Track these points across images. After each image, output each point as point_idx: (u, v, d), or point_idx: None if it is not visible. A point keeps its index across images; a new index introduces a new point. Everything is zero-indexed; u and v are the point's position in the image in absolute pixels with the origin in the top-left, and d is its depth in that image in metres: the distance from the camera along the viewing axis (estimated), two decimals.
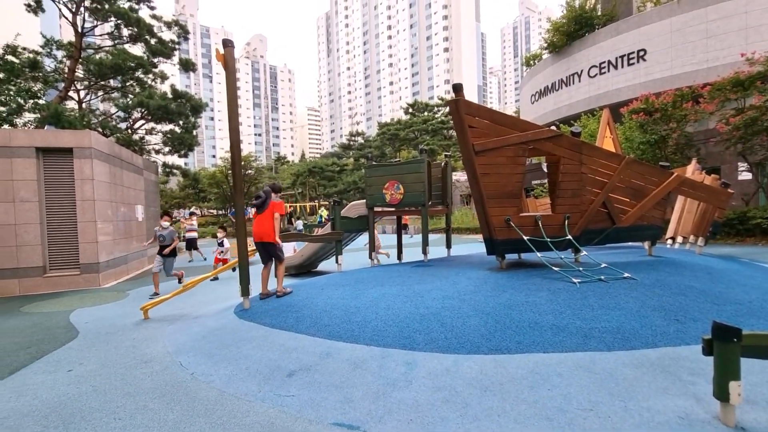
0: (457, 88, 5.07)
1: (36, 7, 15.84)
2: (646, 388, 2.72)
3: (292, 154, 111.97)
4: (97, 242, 9.42)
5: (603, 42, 18.73)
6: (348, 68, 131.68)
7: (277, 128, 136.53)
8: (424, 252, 7.12)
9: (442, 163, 7.60)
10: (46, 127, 13.26)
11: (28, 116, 13.71)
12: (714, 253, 7.83)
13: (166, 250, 7.95)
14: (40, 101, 13.64)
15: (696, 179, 7.10)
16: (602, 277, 4.70)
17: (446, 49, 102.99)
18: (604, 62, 18.57)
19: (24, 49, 14.39)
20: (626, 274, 4.76)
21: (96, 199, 9.44)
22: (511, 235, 5.27)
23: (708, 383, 2.53)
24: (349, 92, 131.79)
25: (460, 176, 26.75)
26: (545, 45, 22.25)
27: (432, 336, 3.61)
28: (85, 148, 9.34)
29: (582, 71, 19.75)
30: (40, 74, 14.59)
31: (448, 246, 8.40)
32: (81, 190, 9.31)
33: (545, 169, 6.24)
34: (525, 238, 5.20)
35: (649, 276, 4.81)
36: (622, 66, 17.78)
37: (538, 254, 5.29)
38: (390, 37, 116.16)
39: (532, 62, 25.47)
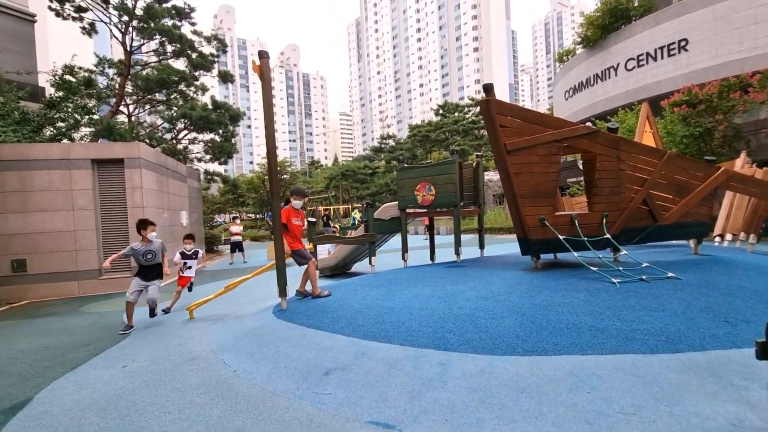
0: (488, 89, 5.04)
1: (90, 30, 17.21)
2: (693, 392, 2.58)
3: (326, 158, 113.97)
4: None
5: (640, 33, 17.94)
6: (378, 72, 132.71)
7: (311, 134, 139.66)
8: (457, 253, 7.08)
9: (474, 164, 7.54)
10: (99, 140, 14.28)
11: (84, 130, 14.82)
12: None
13: (167, 269, 6.17)
14: (95, 116, 14.71)
15: (746, 173, 6.68)
16: (644, 277, 4.50)
17: (476, 49, 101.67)
18: (642, 54, 17.78)
19: (80, 68, 15.60)
20: (670, 274, 4.53)
21: (145, 206, 10.05)
22: (547, 234, 5.16)
23: (762, 388, 2.39)
24: (380, 96, 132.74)
25: (492, 176, 26.36)
26: (579, 40, 21.65)
27: (466, 337, 3.59)
28: (135, 158, 9.97)
29: (618, 65, 19.00)
30: (94, 91, 15.72)
31: (481, 246, 8.30)
32: (131, 197, 9.94)
33: (581, 167, 6.07)
34: (561, 237, 5.08)
35: (695, 275, 4.57)
36: (662, 57, 16.96)
37: (575, 254, 5.15)
38: (419, 40, 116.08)
39: (565, 58, 24.81)
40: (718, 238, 7.89)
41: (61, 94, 14.18)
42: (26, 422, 3.07)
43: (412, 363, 3.34)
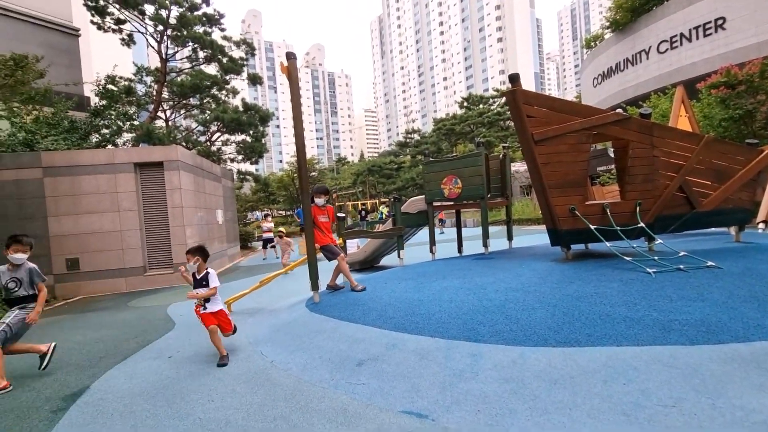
0: (514, 79, 4.98)
1: (129, 41, 18.13)
2: (737, 385, 2.48)
3: (352, 154, 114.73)
4: (186, 244, 10.46)
5: (674, 14, 17.08)
6: (402, 68, 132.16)
7: (337, 131, 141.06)
8: (485, 245, 7.04)
9: (501, 155, 7.45)
10: (140, 145, 15.05)
11: (126, 136, 15.66)
12: None
13: (34, 315, 4.06)
14: (135, 122, 15.53)
15: None
16: (681, 267, 4.34)
17: (500, 39, 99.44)
18: (675, 36, 16.94)
19: (120, 78, 16.48)
20: (709, 263, 4.35)
21: (183, 206, 10.51)
22: (577, 224, 5.06)
23: None
24: (404, 91, 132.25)
25: (519, 167, 25.87)
26: (607, 24, 20.94)
27: (497, 328, 3.58)
28: (173, 160, 10.43)
29: (650, 48, 18.19)
30: (134, 98, 16.59)
31: (510, 238, 8.20)
32: (171, 198, 10.42)
33: (611, 155, 5.90)
34: (592, 227, 4.96)
35: (737, 264, 4.37)
36: (697, 38, 16.09)
37: (607, 244, 5.01)
38: (442, 33, 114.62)
39: (593, 44, 24.03)
40: (761, 225, 7.47)
41: (104, 102, 15.04)
42: (85, 409, 3.31)
43: (443, 354, 3.37)
